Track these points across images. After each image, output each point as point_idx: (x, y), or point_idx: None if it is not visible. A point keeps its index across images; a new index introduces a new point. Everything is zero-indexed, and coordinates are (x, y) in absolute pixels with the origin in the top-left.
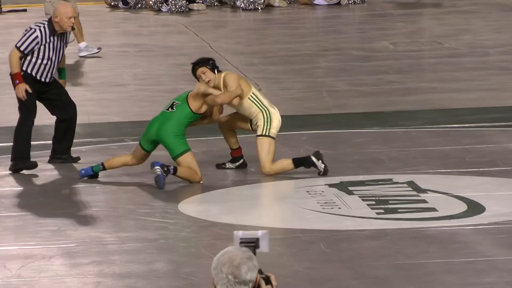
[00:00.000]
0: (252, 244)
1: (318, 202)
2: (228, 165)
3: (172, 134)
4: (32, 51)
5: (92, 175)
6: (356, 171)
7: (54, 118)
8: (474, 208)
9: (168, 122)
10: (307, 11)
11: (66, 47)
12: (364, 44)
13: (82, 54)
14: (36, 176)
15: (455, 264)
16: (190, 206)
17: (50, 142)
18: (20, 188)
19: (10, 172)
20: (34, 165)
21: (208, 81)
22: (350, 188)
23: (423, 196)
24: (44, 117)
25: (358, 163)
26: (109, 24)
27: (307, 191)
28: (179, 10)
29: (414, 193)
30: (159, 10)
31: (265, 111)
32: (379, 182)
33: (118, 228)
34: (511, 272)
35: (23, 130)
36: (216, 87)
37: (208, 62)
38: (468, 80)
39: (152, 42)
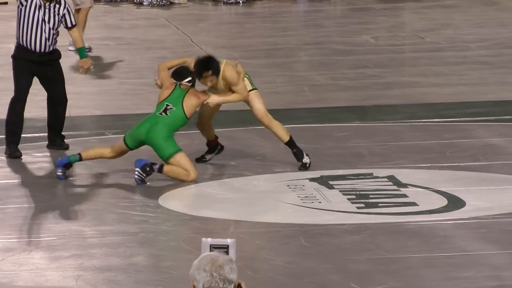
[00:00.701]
0: (224, 250)
1: (298, 196)
2: (208, 156)
3: (162, 136)
4: (18, 17)
5: (67, 164)
6: (337, 165)
7: (34, 111)
8: (454, 202)
9: (159, 125)
10: (288, 5)
11: (60, 19)
12: (345, 38)
13: (71, 48)
14: (16, 169)
15: (435, 259)
16: (171, 200)
17: (31, 135)
18: (0, 181)
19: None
20: (13, 154)
21: (209, 85)
22: (331, 182)
23: (403, 190)
24: (25, 110)
25: (339, 157)
26: (90, 17)
27: (288, 185)
28: (160, 3)
29: (395, 187)
30: (140, 3)
31: (246, 75)
32: (360, 176)
33: (98, 221)
34: (491, 267)
35: (11, 114)
36: (214, 84)
37: (216, 71)
38: (449, 75)
39: (133, 36)
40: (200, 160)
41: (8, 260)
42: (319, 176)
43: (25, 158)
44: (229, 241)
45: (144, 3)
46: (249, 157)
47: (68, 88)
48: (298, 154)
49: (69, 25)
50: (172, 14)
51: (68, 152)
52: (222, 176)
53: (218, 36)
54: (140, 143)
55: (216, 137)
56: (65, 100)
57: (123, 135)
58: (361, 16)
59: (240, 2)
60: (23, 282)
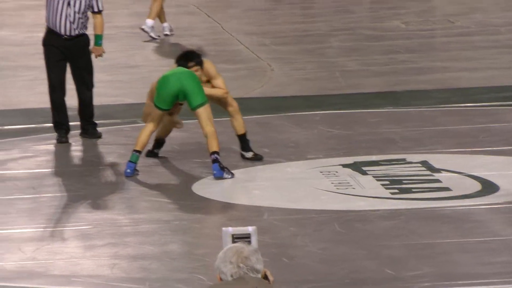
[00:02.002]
0: (247, 239)
1: (332, 183)
2: (157, 151)
3: (196, 79)
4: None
5: (135, 167)
6: (370, 151)
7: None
8: (488, 187)
9: (187, 72)
10: None
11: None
12: (375, 23)
13: (166, 32)
14: (49, 158)
15: (469, 244)
16: (204, 187)
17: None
18: (33, 171)
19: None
20: (60, 139)
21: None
22: (364, 168)
23: (436, 175)
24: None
25: (372, 143)
26: (120, 6)
27: (321, 172)
28: None
29: (428, 172)
30: None
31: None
32: (393, 162)
33: (132, 209)
34: None
35: (51, 104)
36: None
37: (199, 61)
38: (480, 59)
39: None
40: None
41: (43, 249)
42: (352, 162)
43: (58, 147)
44: (250, 229)
45: None
46: (282, 144)
47: (100, 76)
48: (248, 147)
49: (95, 9)
50: (202, 1)
51: (102, 142)
52: (255, 164)
53: (248, 23)
54: (173, 99)
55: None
56: (91, 87)
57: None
58: (391, 1)
59: None
60: (58, 271)
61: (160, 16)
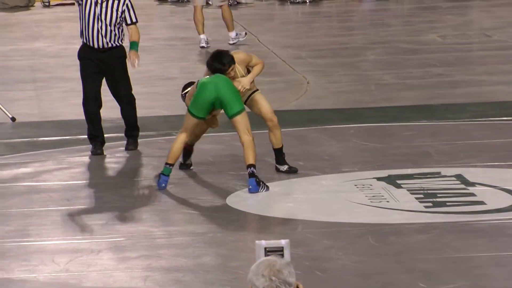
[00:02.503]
0: (280, 253)
1: (366, 196)
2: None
3: (233, 89)
4: (79, 14)
5: (167, 180)
6: (404, 164)
7: (101, 113)
8: None
9: (223, 79)
10: (354, 4)
11: (119, 16)
12: (412, 37)
13: (231, 42)
14: (84, 170)
15: (504, 258)
16: (238, 200)
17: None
18: (68, 182)
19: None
20: (95, 152)
21: (233, 75)
22: (398, 182)
23: (471, 189)
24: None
25: (406, 156)
26: (157, 18)
27: (355, 185)
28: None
29: (462, 186)
30: (207, 4)
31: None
32: (427, 176)
33: (165, 222)
34: None
35: (85, 116)
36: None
37: (231, 60)
38: None
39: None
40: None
41: (76, 261)
42: (386, 175)
43: (93, 159)
44: (283, 242)
45: (211, 3)
46: (317, 156)
47: (136, 88)
48: (283, 161)
49: (129, 22)
50: (238, 14)
51: (137, 154)
52: (290, 176)
53: (285, 36)
54: (209, 106)
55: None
56: (130, 97)
57: (186, 112)
58: (428, 15)
59: (307, 1)
60: (91, 283)
61: (199, 27)
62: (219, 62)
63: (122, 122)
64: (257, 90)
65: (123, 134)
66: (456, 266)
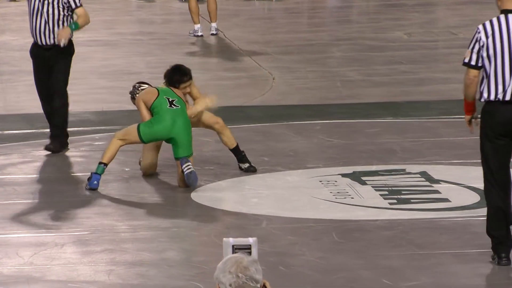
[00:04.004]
0: (247, 250)
1: (330, 192)
2: None
3: (188, 132)
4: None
5: (99, 178)
6: (369, 161)
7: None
8: None
9: (181, 118)
10: (321, 1)
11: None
12: (378, 34)
13: (214, 32)
14: (49, 163)
15: (468, 255)
16: (203, 195)
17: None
18: (33, 176)
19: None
20: (49, 148)
21: (188, 91)
22: (363, 178)
23: (435, 186)
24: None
25: (371, 153)
26: (123, 12)
27: (320, 181)
28: None
29: (427, 183)
30: None
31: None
32: (392, 172)
33: (130, 216)
34: None
35: (44, 113)
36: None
37: (191, 76)
38: None
39: (165, 31)
40: None
41: (40, 254)
42: (351, 171)
43: (58, 153)
44: (251, 240)
45: None
46: (282, 152)
47: (101, 82)
48: (244, 158)
49: (74, 6)
50: (205, 9)
51: (103, 148)
52: (254, 172)
53: (251, 32)
54: (157, 139)
55: None
56: (62, 94)
57: (136, 126)
58: (394, 12)
59: None
60: (55, 276)
61: (195, 17)
62: (180, 74)
63: (89, 116)
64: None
65: (88, 128)
66: (420, 263)
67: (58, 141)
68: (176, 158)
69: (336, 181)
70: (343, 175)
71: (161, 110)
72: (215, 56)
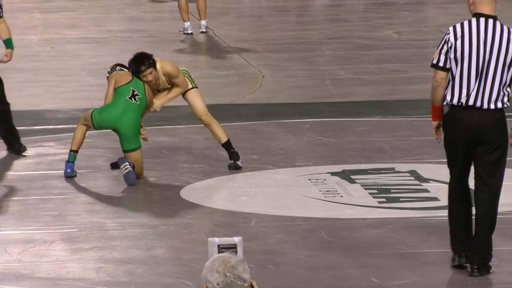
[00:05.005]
0: (233, 250)
1: (320, 190)
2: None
3: (135, 127)
4: None
5: (73, 167)
6: (359, 160)
7: (55, 103)
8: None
9: (132, 113)
10: None
11: None
12: (367, 32)
13: (204, 30)
14: (37, 160)
15: None
16: (192, 193)
17: (53, 127)
18: (21, 173)
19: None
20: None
21: (151, 80)
22: (352, 177)
23: (425, 185)
24: (47, 102)
25: (361, 151)
26: (113, 10)
27: (309, 179)
28: None
29: (416, 182)
30: None
31: (184, 70)
32: (381, 171)
33: (119, 213)
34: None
35: None
36: (156, 78)
37: (151, 62)
38: None
39: (155, 28)
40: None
41: (29, 251)
42: (340, 170)
43: (47, 150)
44: (236, 239)
45: None
46: (271, 150)
47: (91, 80)
48: (234, 155)
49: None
50: (195, 7)
51: (92, 145)
52: (243, 170)
53: (241, 30)
54: (106, 128)
55: None
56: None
57: (91, 111)
58: (384, 11)
59: None
60: (44, 274)
61: (184, 14)
62: (138, 62)
63: (78, 113)
64: (192, 88)
65: (75, 126)
66: (409, 262)
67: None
68: (124, 151)
69: (325, 180)
70: (332, 174)
71: (118, 98)
72: (204, 54)
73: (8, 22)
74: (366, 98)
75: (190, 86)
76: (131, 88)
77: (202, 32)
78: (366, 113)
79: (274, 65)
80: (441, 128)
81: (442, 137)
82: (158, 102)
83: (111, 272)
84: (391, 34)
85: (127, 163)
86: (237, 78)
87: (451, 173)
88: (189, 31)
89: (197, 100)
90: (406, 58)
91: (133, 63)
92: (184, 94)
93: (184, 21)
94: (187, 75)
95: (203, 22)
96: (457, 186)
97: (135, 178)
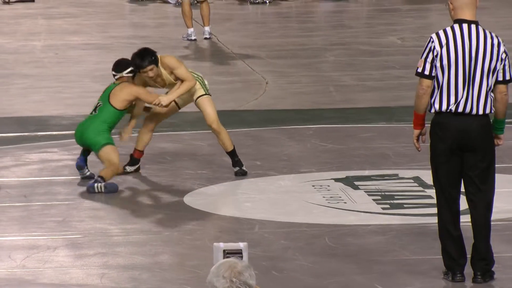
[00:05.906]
0: (239, 255)
1: (323, 197)
2: (128, 168)
3: (93, 132)
4: None
5: (86, 164)
6: (362, 166)
7: (59, 109)
8: None
9: (92, 125)
10: (315, 5)
11: None
12: (371, 39)
13: (207, 36)
14: (41, 166)
15: None
16: (196, 199)
17: (57, 133)
18: (25, 179)
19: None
20: None
21: (152, 76)
22: (356, 183)
23: (428, 191)
24: (50, 108)
25: (365, 158)
26: (117, 16)
27: (313, 185)
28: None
29: (420, 188)
30: (166, 2)
31: (197, 76)
32: (385, 177)
33: (122, 219)
34: None
35: None
36: (158, 75)
37: (153, 59)
38: None
39: (159, 34)
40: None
41: (32, 257)
42: (344, 176)
43: (50, 156)
44: (241, 245)
45: (171, 2)
46: (275, 157)
47: (94, 86)
48: (239, 162)
49: None
50: (198, 13)
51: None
52: (247, 176)
53: (244, 36)
54: (81, 146)
55: (142, 152)
56: None
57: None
58: (388, 17)
59: (267, 2)
60: (47, 280)
61: (188, 20)
62: (140, 59)
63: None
64: (204, 94)
65: None
66: (413, 268)
67: None
68: (96, 152)
69: (329, 186)
70: (336, 180)
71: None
72: (208, 60)
73: (12, 28)
74: (370, 104)
75: (203, 92)
76: (97, 101)
77: (205, 38)
78: (370, 119)
79: (278, 71)
80: (421, 137)
81: (428, 144)
82: (165, 97)
83: (115, 278)
84: (394, 40)
85: (96, 183)
86: (241, 84)
87: (438, 185)
88: (193, 37)
89: (208, 107)
90: (410, 64)
91: (136, 58)
92: (196, 100)
93: (188, 27)
94: (200, 81)
95: (207, 28)
96: (446, 199)
97: (115, 187)
